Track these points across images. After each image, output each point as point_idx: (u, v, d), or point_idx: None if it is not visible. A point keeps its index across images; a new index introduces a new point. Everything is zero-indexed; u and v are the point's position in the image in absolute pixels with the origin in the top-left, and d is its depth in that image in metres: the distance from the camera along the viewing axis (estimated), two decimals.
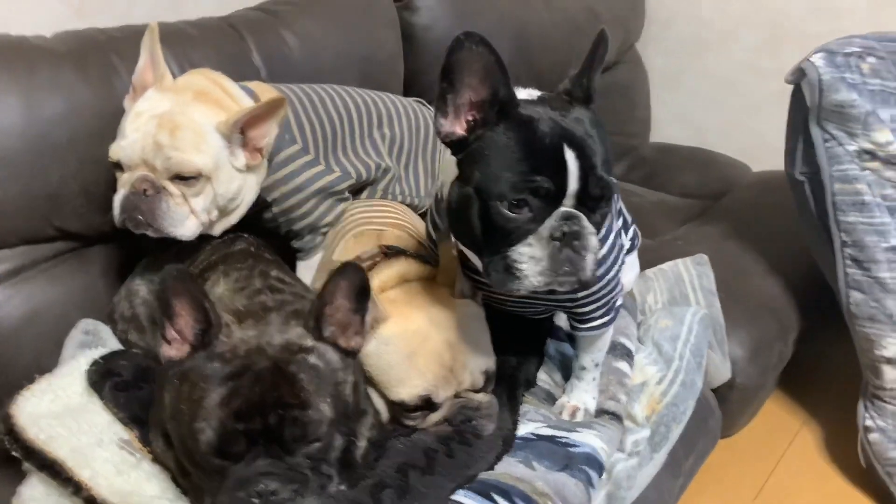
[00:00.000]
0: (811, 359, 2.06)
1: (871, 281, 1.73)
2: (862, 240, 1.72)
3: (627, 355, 1.49)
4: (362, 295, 0.99)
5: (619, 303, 1.35)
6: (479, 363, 1.19)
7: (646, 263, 1.80)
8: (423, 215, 1.75)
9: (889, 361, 1.75)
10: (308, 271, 1.53)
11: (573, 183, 0.98)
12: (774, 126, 2.97)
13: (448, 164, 1.15)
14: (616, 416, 1.37)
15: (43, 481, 1.11)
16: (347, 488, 0.98)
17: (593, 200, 1.01)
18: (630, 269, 1.55)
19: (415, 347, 1.16)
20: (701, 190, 2.64)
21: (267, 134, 1.33)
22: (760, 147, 2.98)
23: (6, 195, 1.31)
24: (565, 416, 1.38)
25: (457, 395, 1.19)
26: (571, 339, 1.53)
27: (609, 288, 1.27)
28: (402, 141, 1.68)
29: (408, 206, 1.69)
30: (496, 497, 1.05)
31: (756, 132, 2.96)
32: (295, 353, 0.93)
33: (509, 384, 1.34)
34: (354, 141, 1.59)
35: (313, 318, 0.96)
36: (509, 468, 1.15)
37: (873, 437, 1.82)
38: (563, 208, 0.99)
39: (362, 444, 1.08)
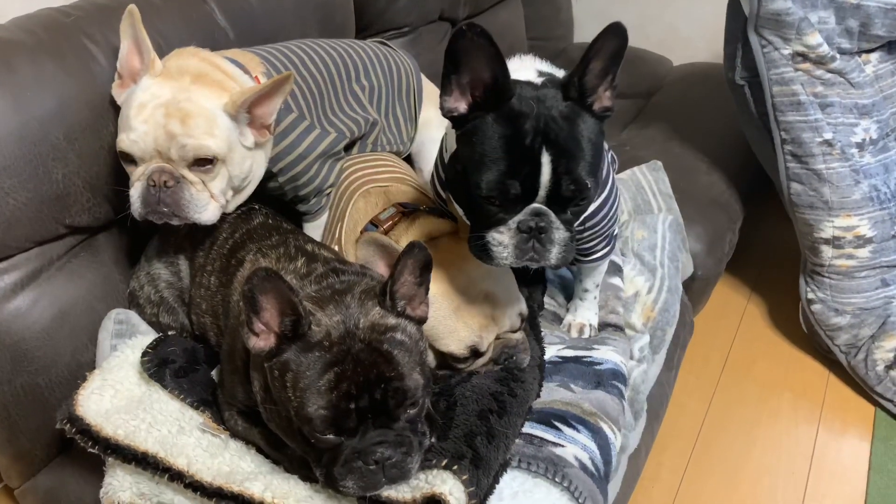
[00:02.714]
0: (744, 242, 2.29)
1: (809, 173, 1.94)
2: (799, 136, 1.91)
3: (618, 270, 1.65)
4: (425, 270, 1.08)
5: (616, 232, 1.48)
6: (515, 307, 1.30)
7: None
8: (407, 160, 1.82)
9: (827, 242, 1.99)
10: (316, 231, 1.58)
11: (544, 185, 1.07)
12: (687, 18, 3.13)
13: (451, 135, 1.22)
14: (619, 328, 1.54)
15: (130, 472, 1.17)
16: (437, 440, 1.10)
17: (565, 200, 1.09)
18: None
19: (458, 303, 1.26)
20: (633, 89, 2.76)
21: (273, 111, 1.34)
22: (675, 40, 3.14)
23: (17, 203, 1.29)
24: (574, 334, 1.53)
25: (497, 338, 1.31)
26: None
27: (609, 224, 1.40)
28: (379, 90, 1.71)
29: (394, 153, 1.74)
30: (557, 423, 1.20)
31: (670, 25, 3.11)
32: (383, 332, 1.02)
33: (529, 314, 1.47)
34: (339, 97, 1.61)
35: (389, 298, 1.05)
36: (553, 394, 1.30)
37: (816, 307, 2.08)
38: (534, 205, 1.08)
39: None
